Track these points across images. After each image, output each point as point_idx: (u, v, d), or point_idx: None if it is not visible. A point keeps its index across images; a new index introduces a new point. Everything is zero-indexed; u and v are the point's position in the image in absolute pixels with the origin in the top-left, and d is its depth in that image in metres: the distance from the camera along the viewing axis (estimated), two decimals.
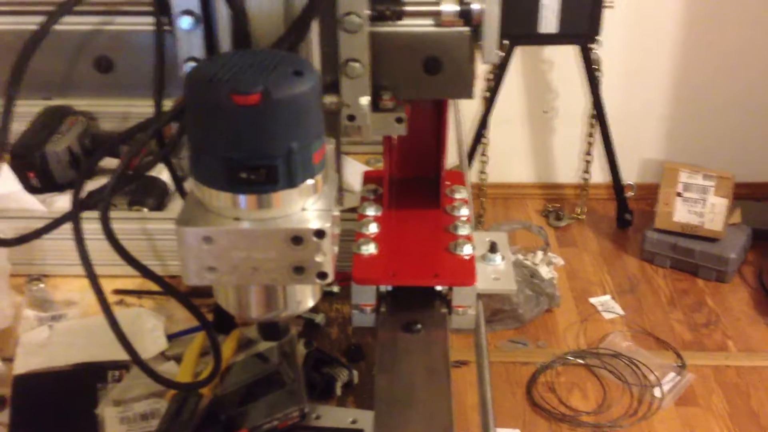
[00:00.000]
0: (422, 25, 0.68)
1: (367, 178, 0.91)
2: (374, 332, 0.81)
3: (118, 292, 1.10)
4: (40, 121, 1.33)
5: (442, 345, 0.78)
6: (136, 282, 1.11)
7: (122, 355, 0.96)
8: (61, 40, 0.71)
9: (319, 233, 0.59)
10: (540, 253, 2.75)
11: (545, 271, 2.70)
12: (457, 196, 0.89)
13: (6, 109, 0.64)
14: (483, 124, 2.91)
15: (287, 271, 0.61)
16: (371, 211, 0.86)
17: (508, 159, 3.18)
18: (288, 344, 0.96)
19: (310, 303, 0.68)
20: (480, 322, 0.84)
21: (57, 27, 0.70)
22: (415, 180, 0.90)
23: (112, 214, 1.05)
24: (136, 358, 0.70)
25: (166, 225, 1.09)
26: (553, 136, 3.18)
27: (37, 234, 0.70)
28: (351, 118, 0.69)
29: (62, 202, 1.22)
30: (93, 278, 0.70)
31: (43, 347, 1.01)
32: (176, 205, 1.25)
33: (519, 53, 2.92)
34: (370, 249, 0.81)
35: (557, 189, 3.26)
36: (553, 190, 3.27)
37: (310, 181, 0.60)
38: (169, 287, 0.69)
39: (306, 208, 0.61)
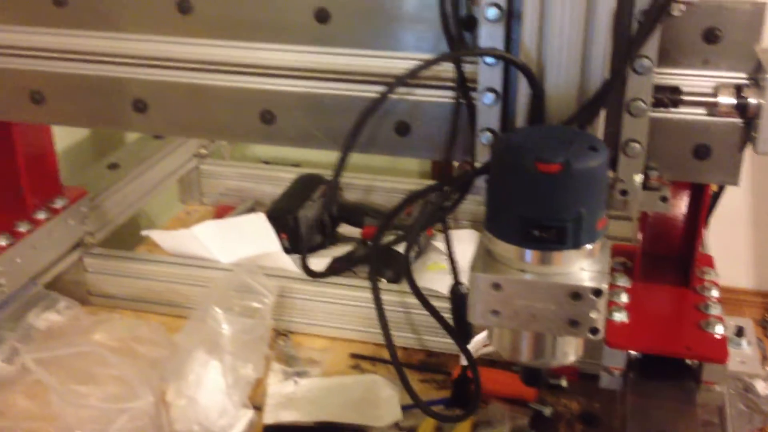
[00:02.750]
0: (696, 114, 0.79)
1: (616, 251, 1.01)
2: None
3: (354, 356, 1.19)
4: (294, 187, 1.51)
5: None
6: (370, 348, 1.19)
7: (359, 420, 1.07)
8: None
9: (597, 292, 0.69)
10: None
11: (762, 387, 2.63)
12: (706, 277, 0.97)
13: (340, 162, 0.80)
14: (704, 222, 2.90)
15: (563, 323, 0.71)
16: (622, 282, 0.95)
17: (727, 260, 3.12)
18: None
19: (572, 358, 0.78)
20: (726, 410, 0.90)
21: (369, 94, 0.88)
22: (662, 257, 0.99)
23: (353, 281, 1.20)
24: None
25: (404, 298, 1.17)
26: None
27: (346, 266, 0.84)
28: (624, 192, 0.79)
29: (310, 264, 1.36)
30: (387, 335, 0.83)
31: (290, 401, 1.10)
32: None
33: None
34: (621, 316, 0.90)
35: None
36: None
37: (591, 245, 0.70)
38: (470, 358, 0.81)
39: (584, 268, 0.71)
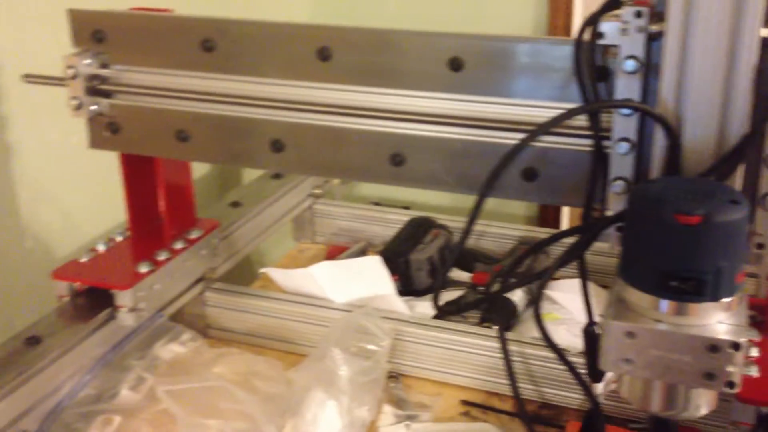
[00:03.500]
0: None
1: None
2: None
3: (465, 403, 1.18)
4: (406, 230, 1.54)
5: None
6: (480, 395, 1.19)
7: None
8: (499, 152, 0.91)
9: (735, 345, 0.70)
10: None
11: None
12: None
13: (475, 208, 0.84)
14: None
15: (698, 375, 0.72)
16: (752, 335, 0.95)
17: None
18: None
19: (704, 411, 0.78)
20: None
21: (497, 140, 0.92)
22: None
23: (460, 327, 1.21)
24: None
25: (516, 346, 1.17)
26: None
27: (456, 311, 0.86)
28: (760, 246, 0.80)
29: (421, 307, 1.37)
30: (515, 387, 0.84)
31: None
32: (523, 327, 1.34)
33: None
34: (752, 371, 0.90)
35: None
36: None
37: (729, 298, 0.72)
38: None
39: (722, 321, 0.72)
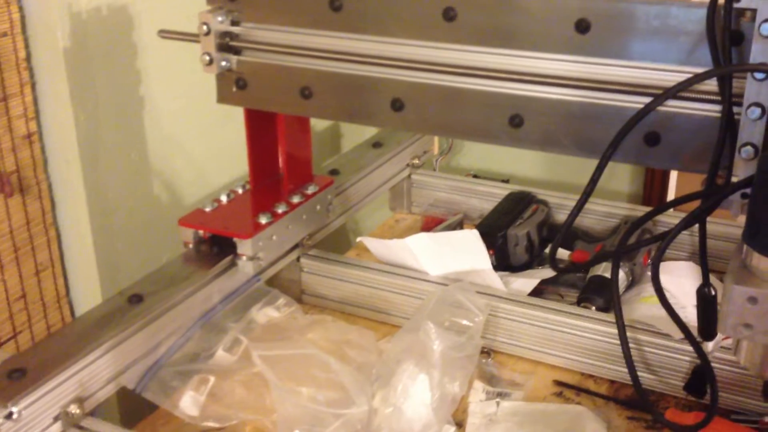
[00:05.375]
0: None
1: None
2: None
3: (558, 383, 1.16)
4: (505, 204, 1.50)
5: None
6: (575, 377, 1.16)
7: None
8: (620, 115, 0.90)
9: None
10: None
11: None
12: None
13: (599, 168, 0.87)
14: None
15: None
16: None
17: None
18: None
19: None
20: None
21: (619, 104, 0.91)
22: None
23: (560, 306, 1.17)
24: None
25: (610, 329, 1.13)
26: None
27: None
28: None
29: (517, 284, 1.34)
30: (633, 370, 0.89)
31: (491, 422, 1.08)
32: (623, 309, 1.30)
33: None
34: None
35: None
36: None
37: None
38: None
39: None
